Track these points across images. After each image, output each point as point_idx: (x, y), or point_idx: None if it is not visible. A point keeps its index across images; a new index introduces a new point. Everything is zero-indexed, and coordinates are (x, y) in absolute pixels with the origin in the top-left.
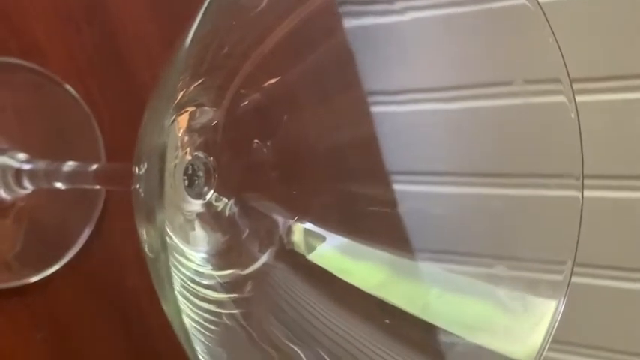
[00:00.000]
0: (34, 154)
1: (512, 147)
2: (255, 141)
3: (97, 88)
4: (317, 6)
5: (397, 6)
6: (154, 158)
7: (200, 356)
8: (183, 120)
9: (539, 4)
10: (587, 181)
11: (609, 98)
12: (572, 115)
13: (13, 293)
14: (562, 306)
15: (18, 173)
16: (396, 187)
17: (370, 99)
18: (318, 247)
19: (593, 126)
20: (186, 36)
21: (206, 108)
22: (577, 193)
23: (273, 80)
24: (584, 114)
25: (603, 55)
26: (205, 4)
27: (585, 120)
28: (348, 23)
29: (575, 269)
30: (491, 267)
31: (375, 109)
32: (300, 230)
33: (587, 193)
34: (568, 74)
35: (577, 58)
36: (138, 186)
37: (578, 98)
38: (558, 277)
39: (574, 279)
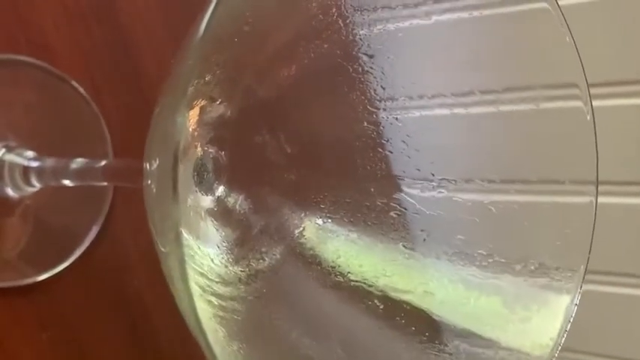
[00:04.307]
0: (41, 152)
1: (527, 152)
2: (267, 136)
3: (105, 87)
4: (332, 2)
5: (414, 11)
6: (167, 154)
7: (215, 351)
8: (193, 114)
9: (558, 6)
10: (602, 187)
11: (626, 103)
12: (589, 119)
13: (19, 292)
14: (577, 300)
15: (26, 170)
16: (411, 190)
17: (385, 103)
18: (328, 243)
19: (609, 131)
20: (197, 29)
21: (217, 102)
22: (591, 199)
23: (285, 75)
24: (600, 119)
25: (620, 59)
26: None
27: (601, 125)
28: (364, 28)
29: (588, 276)
30: (505, 269)
31: (389, 113)
32: (310, 226)
33: (601, 199)
34: (586, 79)
35: (594, 62)
36: (149, 182)
37: (595, 103)
38: (570, 283)
39: (586, 286)
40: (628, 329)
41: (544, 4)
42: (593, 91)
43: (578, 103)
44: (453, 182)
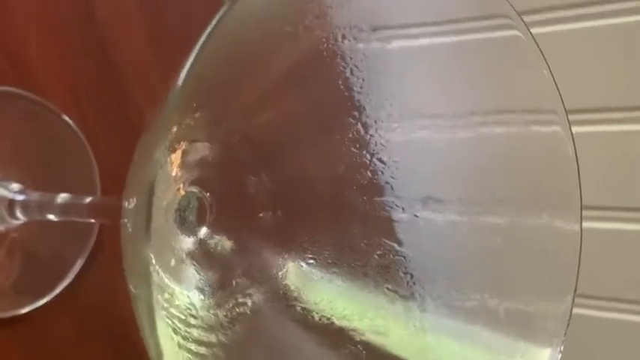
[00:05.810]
0: (28, 184)
1: (508, 179)
2: (251, 177)
3: (93, 117)
4: (315, 40)
5: (391, 33)
6: (142, 193)
7: None
8: (176, 156)
9: (532, 35)
10: (585, 212)
11: (608, 130)
12: (570, 147)
13: (3, 324)
14: (560, 348)
15: (11, 204)
16: (395, 231)
17: (369, 147)
18: (311, 285)
19: (591, 157)
20: (179, 75)
21: (200, 143)
22: (576, 226)
23: (270, 115)
24: (581, 145)
25: (599, 86)
26: (200, 42)
27: (583, 151)
28: (351, 54)
29: (577, 301)
30: (489, 314)
31: (374, 154)
32: (293, 267)
33: (586, 224)
34: (564, 105)
35: (573, 89)
36: (126, 220)
37: (576, 129)
38: (558, 312)
39: (575, 310)
40: (617, 354)
41: (516, 32)
42: (573, 117)
43: (559, 129)
44: (440, 220)
